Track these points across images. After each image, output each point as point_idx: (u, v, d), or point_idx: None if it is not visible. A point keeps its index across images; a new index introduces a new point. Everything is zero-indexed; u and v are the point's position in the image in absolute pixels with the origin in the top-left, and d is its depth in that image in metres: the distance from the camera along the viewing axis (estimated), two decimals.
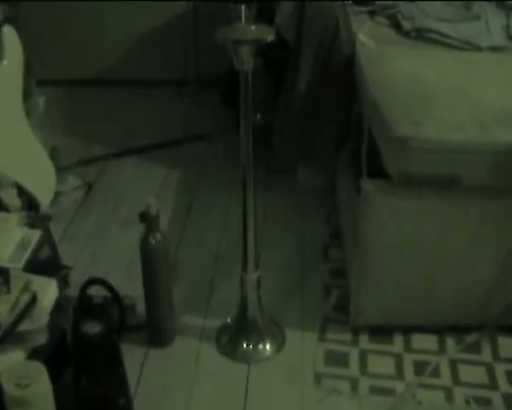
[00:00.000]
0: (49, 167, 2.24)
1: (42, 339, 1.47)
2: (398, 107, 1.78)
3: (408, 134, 1.67)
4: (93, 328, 1.48)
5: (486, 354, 1.89)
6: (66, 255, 2.04)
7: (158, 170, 2.81)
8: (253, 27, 1.60)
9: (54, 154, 2.42)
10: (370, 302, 1.91)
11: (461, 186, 1.71)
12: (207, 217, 2.51)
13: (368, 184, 1.79)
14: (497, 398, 1.76)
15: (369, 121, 1.93)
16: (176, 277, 2.12)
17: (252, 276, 1.84)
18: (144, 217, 1.75)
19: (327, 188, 2.59)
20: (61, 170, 2.44)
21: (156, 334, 1.92)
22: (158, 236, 1.78)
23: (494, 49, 2.23)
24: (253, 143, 1.71)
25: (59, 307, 1.61)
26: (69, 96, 3.36)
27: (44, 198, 2.11)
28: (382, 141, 1.79)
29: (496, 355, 1.88)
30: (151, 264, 1.81)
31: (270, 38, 1.57)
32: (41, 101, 2.58)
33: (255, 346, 1.91)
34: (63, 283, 1.83)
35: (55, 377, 1.42)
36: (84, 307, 1.71)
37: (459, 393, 1.77)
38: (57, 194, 2.41)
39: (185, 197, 2.62)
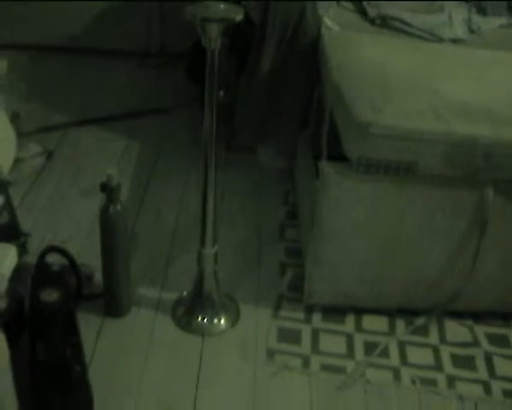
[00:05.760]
0: (9, 133, 2.22)
1: (0, 305, 1.48)
2: (360, 92, 1.81)
3: (368, 120, 1.71)
4: (50, 296, 1.49)
5: (433, 337, 1.95)
6: (24, 222, 2.05)
7: (119, 141, 2.81)
8: (222, 6, 1.61)
9: (15, 119, 2.41)
10: (324, 283, 1.95)
11: (417, 174, 1.76)
12: (166, 190, 2.52)
13: (327, 167, 1.82)
14: (441, 379, 1.82)
15: (330, 105, 1.96)
16: (133, 248, 2.14)
17: (209, 251, 1.87)
18: (105, 187, 1.76)
19: (286, 168, 2.63)
20: (21, 136, 2.43)
21: (112, 304, 1.93)
22: (118, 207, 1.79)
23: (456, 41, 2.28)
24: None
25: (17, 273, 1.62)
26: (32, 61, 3.32)
27: (4, 164, 2.10)
28: (343, 125, 1.83)
29: (442, 338, 1.95)
30: (110, 234, 1.82)
31: (239, 17, 1.58)
32: (3, 65, 2.55)
33: (210, 320, 1.94)
34: (22, 249, 1.84)
35: (12, 343, 1.44)
36: (42, 274, 1.72)
37: (406, 373, 1.83)
38: (17, 160, 2.40)
39: (145, 170, 2.63)
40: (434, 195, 1.80)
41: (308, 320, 1.98)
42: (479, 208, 1.82)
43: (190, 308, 1.95)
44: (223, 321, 1.94)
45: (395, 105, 1.75)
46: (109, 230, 1.82)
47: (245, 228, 2.36)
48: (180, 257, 2.18)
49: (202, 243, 1.86)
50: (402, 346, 1.92)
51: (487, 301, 2.00)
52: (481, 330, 1.99)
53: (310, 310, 2.01)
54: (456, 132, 1.70)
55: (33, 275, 1.71)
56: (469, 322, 2.01)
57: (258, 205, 2.49)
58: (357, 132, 1.74)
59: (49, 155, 2.62)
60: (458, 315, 2.01)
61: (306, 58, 2.30)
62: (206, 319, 1.93)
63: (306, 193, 2.17)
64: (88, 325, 1.84)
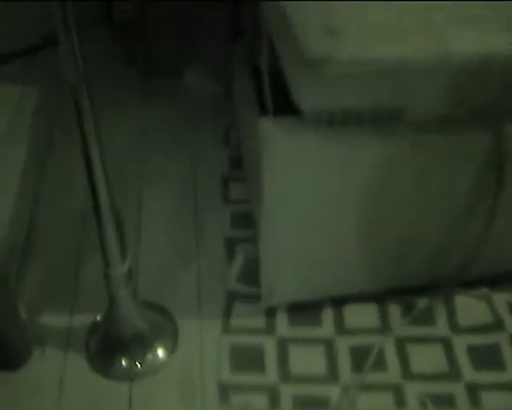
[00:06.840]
0: None
1: None
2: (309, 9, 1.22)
3: (322, 52, 1.13)
4: None
5: (442, 325, 1.45)
6: None
7: (9, 89, 2.18)
8: None
9: None
10: (287, 272, 1.43)
11: (404, 120, 1.20)
12: (72, 155, 1.93)
13: (271, 126, 1.25)
14: (459, 391, 1.33)
15: (266, 25, 1.36)
16: (31, 251, 1.60)
17: (119, 270, 1.30)
18: None
19: (222, 93, 2.07)
20: None
21: (2, 353, 1.39)
22: None
23: None
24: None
25: None
26: None
27: None
28: (287, 62, 1.25)
29: (453, 325, 1.45)
30: None
31: None
32: None
33: (139, 358, 1.39)
34: None
35: None
36: None
37: (411, 391, 1.33)
38: None
39: (45, 127, 2.02)
40: (431, 144, 1.25)
41: (271, 328, 1.45)
42: (492, 152, 1.28)
43: (108, 343, 1.41)
44: (160, 352, 1.40)
45: (362, 21, 1.18)
46: None
47: (175, 189, 1.81)
48: (94, 256, 1.61)
49: (106, 262, 1.29)
50: (400, 345, 1.41)
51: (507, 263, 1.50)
52: (501, 300, 1.50)
53: (272, 312, 1.48)
54: (457, 52, 1.14)
55: None
56: (484, 290, 1.51)
57: (191, 150, 1.92)
58: (308, 73, 1.16)
59: None
60: (469, 284, 1.51)
61: None
62: (132, 360, 1.39)
63: (250, 133, 1.59)
64: None
